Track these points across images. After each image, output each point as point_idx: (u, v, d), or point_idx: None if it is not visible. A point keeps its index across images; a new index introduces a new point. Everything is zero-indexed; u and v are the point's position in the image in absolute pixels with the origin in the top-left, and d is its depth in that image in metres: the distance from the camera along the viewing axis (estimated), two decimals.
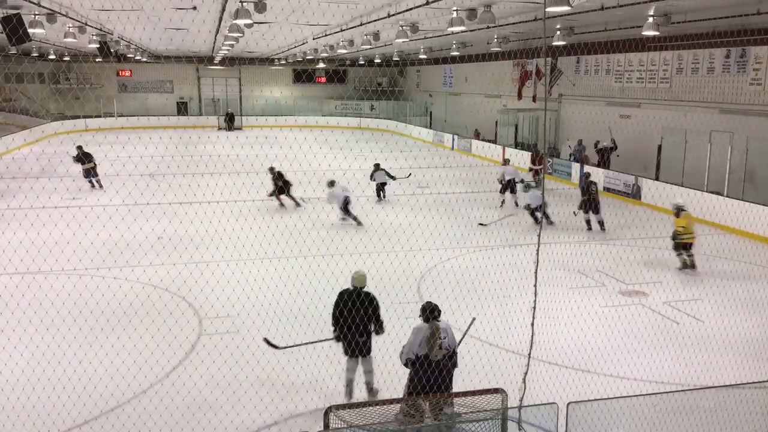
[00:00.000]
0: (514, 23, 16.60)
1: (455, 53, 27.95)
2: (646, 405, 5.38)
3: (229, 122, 39.41)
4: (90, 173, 18.87)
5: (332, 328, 7.21)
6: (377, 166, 17.97)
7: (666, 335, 8.95)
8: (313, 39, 23.60)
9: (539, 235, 5.89)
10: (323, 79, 45.16)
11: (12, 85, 37.56)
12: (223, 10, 15.86)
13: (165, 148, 27.31)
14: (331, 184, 15.34)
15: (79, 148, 18.40)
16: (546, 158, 21.96)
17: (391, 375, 6.89)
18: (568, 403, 4.92)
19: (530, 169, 21.08)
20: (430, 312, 6.19)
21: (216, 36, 24.20)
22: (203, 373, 7.61)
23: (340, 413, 4.73)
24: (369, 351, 7.05)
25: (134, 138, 28.54)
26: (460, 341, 6.46)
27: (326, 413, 4.63)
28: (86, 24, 18.06)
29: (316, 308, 9.67)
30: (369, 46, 21.04)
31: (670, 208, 12.45)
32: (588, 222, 14.89)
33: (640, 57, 20.65)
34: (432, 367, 5.95)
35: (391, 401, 5.53)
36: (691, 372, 7.62)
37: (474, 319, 6.87)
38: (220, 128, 39.56)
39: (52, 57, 33.22)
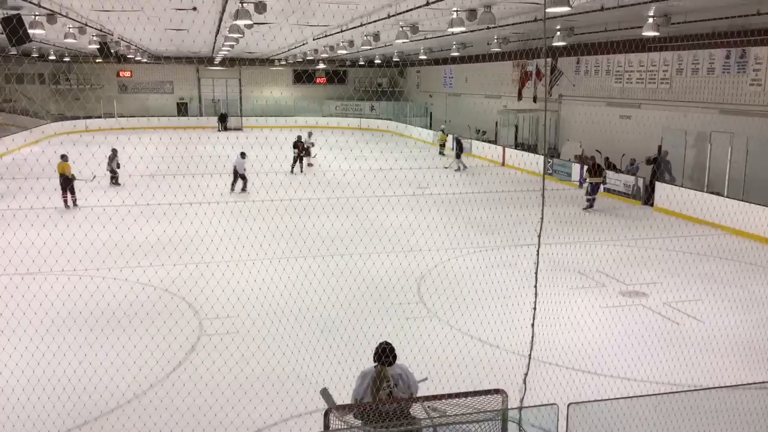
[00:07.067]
0: (514, 24, 16.60)
1: (455, 54, 27.97)
2: (647, 406, 5.36)
3: (221, 122, 39.66)
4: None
5: None
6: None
7: (666, 336, 8.95)
8: (313, 40, 23.61)
9: (539, 236, 5.89)
10: (323, 80, 45.16)
11: (12, 85, 37.56)
12: (223, 10, 15.86)
13: (165, 148, 27.28)
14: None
15: None
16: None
17: None
18: (569, 404, 4.91)
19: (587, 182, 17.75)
20: (381, 355, 5.20)
21: (216, 37, 24.22)
22: (203, 373, 7.60)
23: (340, 413, 4.71)
24: None
25: (134, 138, 28.53)
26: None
27: (326, 413, 4.62)
28: (86, 25, 18.06)
29: (316, 308, 9.67)
30: (369, 47, 21.05)
31: None
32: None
33: (640, 57, 20.65)
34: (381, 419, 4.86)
35: (391, 401, 5.52)
36: (692, 373, 7.62)
37: (425, 378, 5.73)
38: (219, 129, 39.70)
39: (52, 58, 33.25)
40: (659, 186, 17.53)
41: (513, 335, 7.93)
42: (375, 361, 5.25)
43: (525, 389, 5.49)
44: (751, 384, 6.93)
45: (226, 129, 39.59)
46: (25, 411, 6.58)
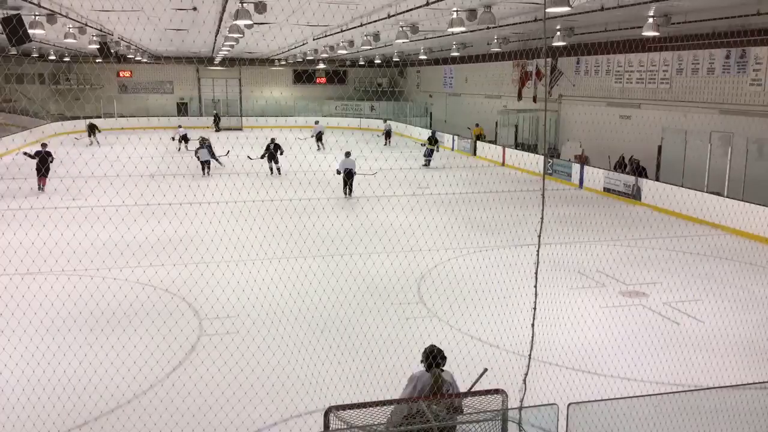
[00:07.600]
0: (514, 24, 16.60)
1: (455, 54, 27.97)
2: (647, 406, 5.36)
3: (215, 123, 39.42)
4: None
5: None
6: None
7: (666, 336, 8.95)
8: (314, 39, 23.61)
9: (539, 236, 5.88)
10: (323, 80, 45.16)
11: (12, 85, 37.56)
12: (224, 10, 15.86)
13: (165, 148, 27.30)
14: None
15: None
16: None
17: (390, 375, 6.88)
18: (569, 404, 4.91)
19: None
20: (434, 358, 4.99)
21: (216, 37, 24.21)
22: (203, 373, 7.60)
23: (340, 413, 4.71)
24: None
25: (134, 138, 28.54)
26: (466, 393, 5.06)
27: (326, 413, 4.62)
28: (86, 25, 18.06)
29: (316, 309, 9.67)
30: (369, 47, 21.05)
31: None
32: (271, 168, 22.00)
33: (640, 57, 20.65)
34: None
35: (392, 401, 5.52)
36: (692, 373, 7.62)
37: (486, 369, 5.58)
38: (209, 129, 39.54)
39: (52, 58, 33.24)
40: (659, 185, 17.53)
41: (513, 335, 7.93)
42: (428, 366, 5.04)
43: (525, 389, 5.49)
44: (751, 384, 6.93)
45: (219, 129, 39.21)
46: (25, 411, 6.58)
